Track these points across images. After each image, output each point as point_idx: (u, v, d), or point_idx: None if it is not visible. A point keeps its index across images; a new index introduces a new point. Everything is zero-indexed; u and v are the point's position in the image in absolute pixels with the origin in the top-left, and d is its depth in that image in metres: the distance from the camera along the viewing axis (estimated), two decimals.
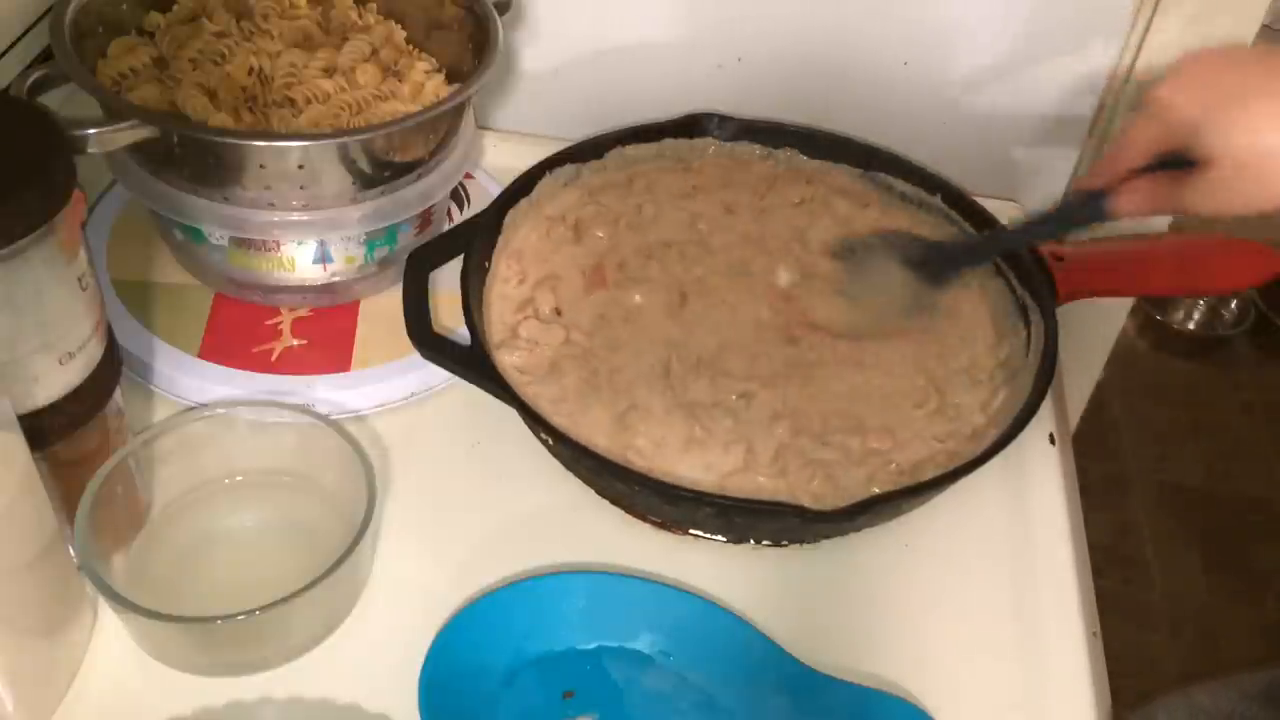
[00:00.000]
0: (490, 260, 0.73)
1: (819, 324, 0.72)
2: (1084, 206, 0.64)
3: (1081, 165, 0.91)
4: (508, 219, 0.75)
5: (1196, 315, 2.11)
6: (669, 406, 0.67)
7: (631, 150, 0.82)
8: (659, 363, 0.70)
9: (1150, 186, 0.56)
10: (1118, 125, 0.60)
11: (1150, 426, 1.97)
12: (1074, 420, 1.01)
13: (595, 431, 0.66)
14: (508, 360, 0.69)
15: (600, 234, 0.77)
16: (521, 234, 0.77)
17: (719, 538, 0.65)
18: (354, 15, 0.79)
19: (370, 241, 0.72)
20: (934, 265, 0.71)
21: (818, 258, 0.77)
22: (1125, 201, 0.58)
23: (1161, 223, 0.92)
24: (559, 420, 0.65)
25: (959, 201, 0.79)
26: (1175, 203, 0.55)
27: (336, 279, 0.73)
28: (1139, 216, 0.60)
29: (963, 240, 0.75)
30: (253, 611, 0.53)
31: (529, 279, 0.74)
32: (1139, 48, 0.83)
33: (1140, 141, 0.53)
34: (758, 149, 0.84)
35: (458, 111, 0.73)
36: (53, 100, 0.66)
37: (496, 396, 0.64)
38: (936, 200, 0.79)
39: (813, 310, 0.73)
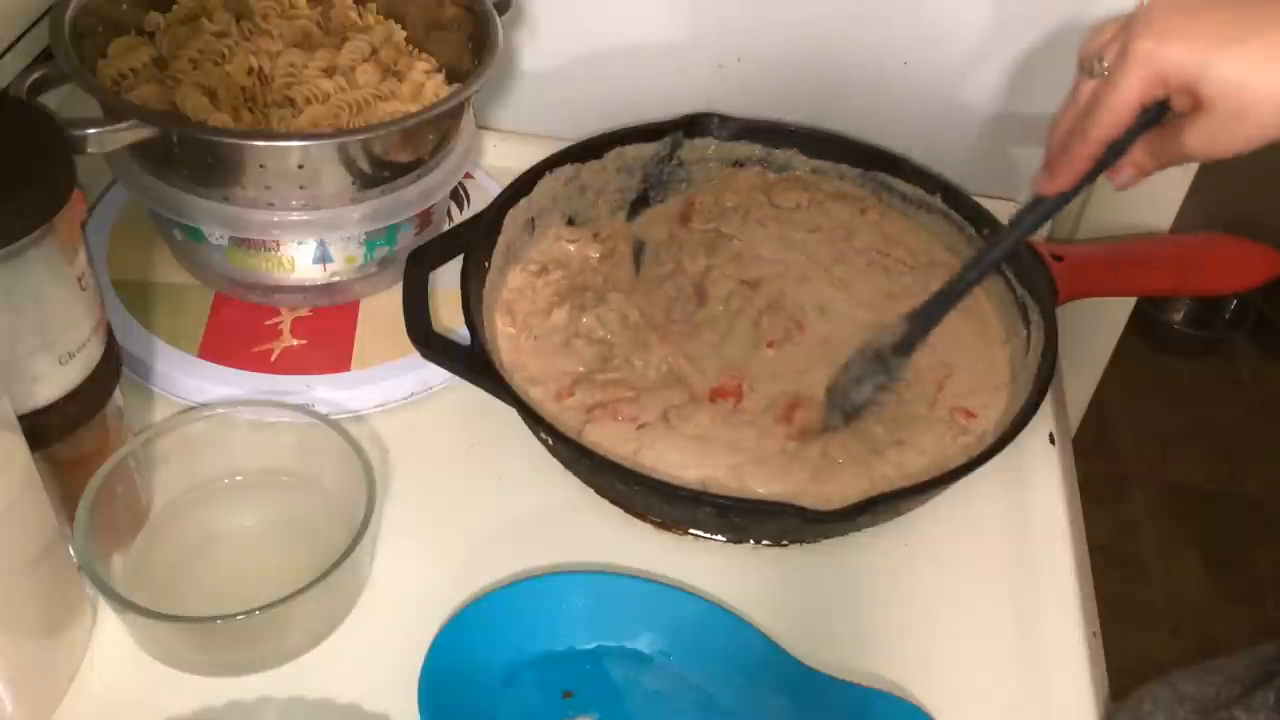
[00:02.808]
0: (490, 260, 0.73)
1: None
2: (1057, 199, 0.59)
3: None
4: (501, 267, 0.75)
5: (1197, 315, 2.10)
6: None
7: (631, 150, 0.82)
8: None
9: (1143, 149, 0.55)
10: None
11: (1150, 426, 1.97)
12: (1074, 420, 1.01)
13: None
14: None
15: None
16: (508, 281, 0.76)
17: (719, 538, 0.65)
18: (354, 15, 0.79)
19: (370, 241, 0.72)
20: (914, 334, 0.66)
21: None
22: (1127, 175, 0.57)
23: (1162, 223, 0.92)
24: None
25: (959, 201, 0.79)
26: (1174, 155, 0.54)
27: (336, 279, 0.73)
28: (1138, 182, 0.57)
29: (951, 282, 0.66)
30: (253, 611, 0.53)
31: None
32: None
33: (1125, 99, 0.51)
34: (757, 149, 0.83)
35: (458, 111, 0.73)
36: (53, 100, 0.66)
37: (496, 396, 0.65)
38: (936, 200, 0.79)
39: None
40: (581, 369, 0.70)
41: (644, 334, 0.72)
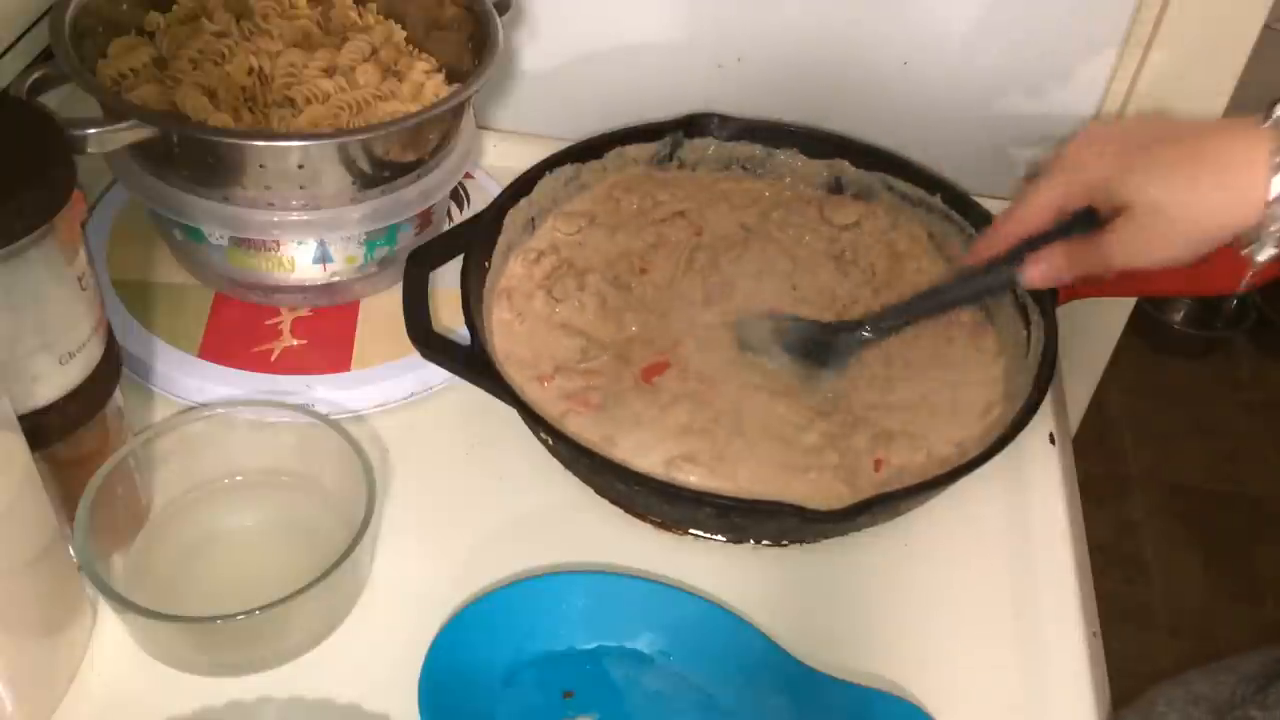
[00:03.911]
0: (490, 260, 0.73)
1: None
2: (990, 276, 0.64)
3: None
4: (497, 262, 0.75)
5: (1197, 315, 2.10)
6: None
7: (632, 150, 0.82)
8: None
9: (1065, 250, 0.58)
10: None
11: (1150, 426, 1.97)
12: (1074, 420, 1.01)
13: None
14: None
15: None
16: (509, 269, 0.76)
17: (719, 538, 0.65)
18: (354, 15, 0.79)
19: (370, 241, 0.72)
20: (817, 349, 0.70)
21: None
22: (1037, 272, 0.60)
23: None
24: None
25: (959, 201, 0.79)
26: (1094, 261, 0.56)
27: (336, 279, 0.73)
28: (1053, 284, 0.61)
29: (846, 321, 0.73)
30: (253, 611, 0.53)
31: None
32: (1144, 47, 0.83)
33: (1045, 202, 0.55)
34: (758, 149, 0.83)
35: (458, 111, 0.73)
36: (53, 100, 0.66)
37: (497, 396, 0.65)
38: (937, 200, 0.79)
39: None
40: (564, 356, 0.71)
41: (620, 311, 0.73)
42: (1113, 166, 0.53)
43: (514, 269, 0.76)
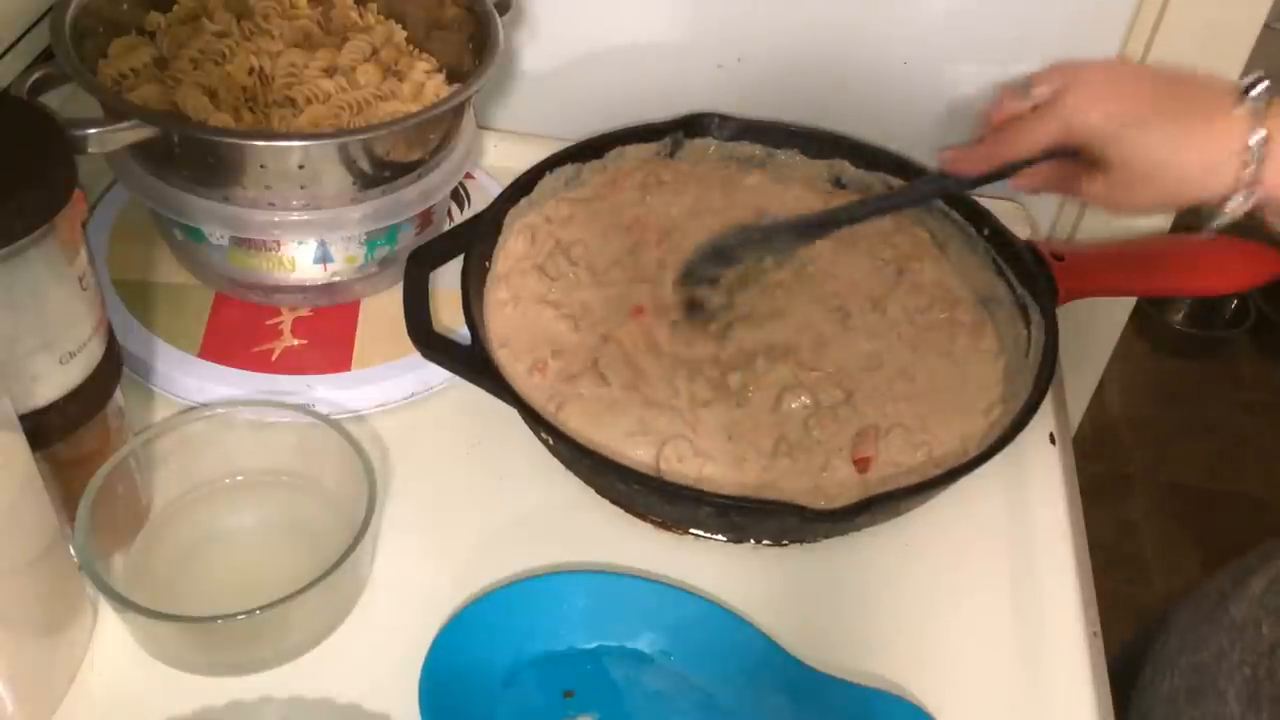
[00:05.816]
0: (490, 260, 0.73)
1: None
2: (955, 181, 0.67)
3: None
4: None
5: (1197, 315, 2.10)
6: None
7: (632, 150, 0.82)
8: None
9: (1051, 172, 0.63)
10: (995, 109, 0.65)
11: (1150, 426, 1.97)
12: (1074, 420, 1.01)
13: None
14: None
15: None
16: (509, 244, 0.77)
17: (719, 537, 0.65)
18: (354, 15, 0.79)
19: (370, 241, 0.72)
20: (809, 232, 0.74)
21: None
22: (1022, 184, 0.65)
23: (1163, 224, 0.92)
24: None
25: (958, 201, 0.79)
26: (1075, 191, 0.62)
27: (337, 279, 0.73)
28: (1031, 194, 0.67)
29: (833, 209, 0.76)
30: (253, 611, 0.53)
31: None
32: (1145, 47, 0.83)
33: (1040, 139, 0.60)
34: (758, 149, 0.83)
35: (458, 111, 0.73)
36: (53, 100, 0.66)
37: (497, 396, 0.65)
38: (936, 200, 0.79)
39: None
40: (560, 340, 0.71)
41: (608, 269, 0.74)
42: (1112, 124, 0.57)
43: (514, 248, 0.76)
